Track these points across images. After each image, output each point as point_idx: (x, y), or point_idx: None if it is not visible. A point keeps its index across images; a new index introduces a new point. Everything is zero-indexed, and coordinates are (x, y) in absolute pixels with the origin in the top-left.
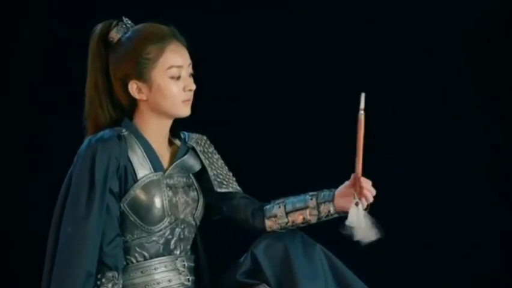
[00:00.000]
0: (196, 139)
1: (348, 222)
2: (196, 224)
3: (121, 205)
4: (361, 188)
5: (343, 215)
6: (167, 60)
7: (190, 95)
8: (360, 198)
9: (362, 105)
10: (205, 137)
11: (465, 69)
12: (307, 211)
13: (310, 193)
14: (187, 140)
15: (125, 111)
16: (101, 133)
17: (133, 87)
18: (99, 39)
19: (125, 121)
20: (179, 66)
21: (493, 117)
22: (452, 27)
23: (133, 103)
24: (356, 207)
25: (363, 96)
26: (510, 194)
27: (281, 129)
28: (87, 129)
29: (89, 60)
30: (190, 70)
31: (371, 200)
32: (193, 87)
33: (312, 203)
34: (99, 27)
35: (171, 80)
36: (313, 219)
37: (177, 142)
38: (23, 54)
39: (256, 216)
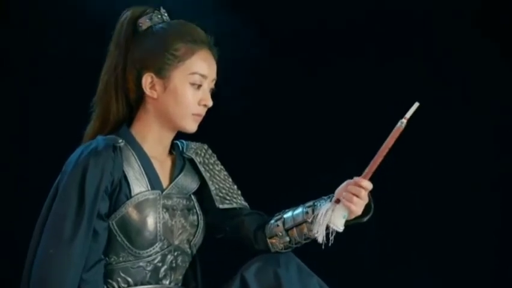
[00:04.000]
0: (195, 149)
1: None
2: (192, 252)
3: (109, 222)
4: (354, 193)
5: (347, 225)
6: (193, 65)
7: (203, 111)
8: (345, 202)
9: (409, 114)
10: (206, 146)
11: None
12: (306, 226)
13: (308, 204)
14: (185, 150)
15: (132, 108)
16: (94, 143)
17: (147, 80)
18: (129, 23)
19: (123, 129)
20: (203, 76)
21: (485, 126)
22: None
23: (140, 99)
24: (334, 203)
25: (415, 106)
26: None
27: (282, 136)
28: (94, 116)
29: (112, 43)
30: (212, 85)
31: (353, 207)
32: (210, 103)
33: (309, 216)
34: (130, 10)
35: (190, 87)
36: (314, 235)
37: (175, 154)
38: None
39: (258, 238)
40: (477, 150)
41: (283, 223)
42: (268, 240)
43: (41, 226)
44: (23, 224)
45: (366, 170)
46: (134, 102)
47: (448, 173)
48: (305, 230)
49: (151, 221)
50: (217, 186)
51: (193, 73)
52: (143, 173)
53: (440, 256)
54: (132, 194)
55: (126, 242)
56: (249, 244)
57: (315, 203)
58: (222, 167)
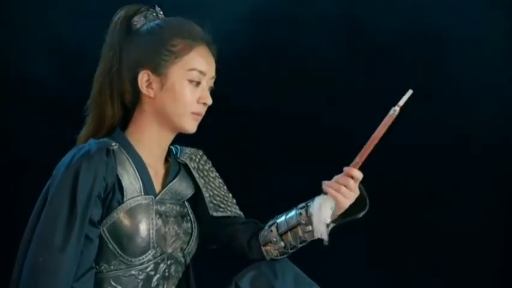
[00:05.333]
0: (190, 154)
1: (310, 208)
2: (185, 261)
3: (101, 229)
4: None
5: (342, 222)
6: (191, 61)
7: (202, 110)
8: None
9: (402, 102)
10: (201, 152)
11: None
12: (301, 229)
13: (300, 205)
14: (178, 155)
15: (128, 110)
16: (86, 146)
17: (143, 77)
18: (122, 22)
19: (117, 132)
20: (202, 72)
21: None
22: None
23: (136, 100)
24: (323, 196)
25: (408, 93)
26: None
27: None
28: (89, 120)
29: (105, 44)
30: (211, 83)
31: (339, 197)
32: (210, 102)
33: (303, 217)
34: (124, 10)
35: (189, 84)
36: (309, 237)
37: (170, 159)
38: None
39: (252, 247)
40: (477, 149)
41: (277, 228)
42: (263, 248)
43: (30, 233)
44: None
45: (356, 159)
46: (130, 104)
47: (447, 171)
48: (300, 233)
49: (143, 227)
50: (211, 193)
51: (192, 69)
52: (138, 177)
53: (440, 255)
54: (125, 199)
55: (118, 249)
56: (243, 254)
57: (308, 204)
58: (217, 174)
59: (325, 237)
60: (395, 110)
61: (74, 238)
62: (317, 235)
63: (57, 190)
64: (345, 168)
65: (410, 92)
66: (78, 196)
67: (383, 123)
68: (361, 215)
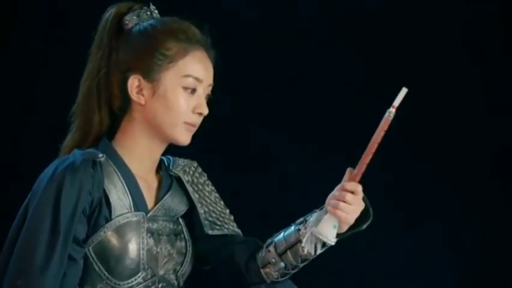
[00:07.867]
0: (183, 166)
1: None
2: (178, 284)
3: (86, 248)
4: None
5: (345, 237)
6: (187, 66)
7: (197, 120)
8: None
9: (397, 102)
10: (195, 164)
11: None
12: (300, 246)
13: (299, 221)
14: (171, 167)
15: (116, 118)
16: (71, 158)
17: (133, 83)
18: (113, 20)
19: (103, 142)
20: (198, 79)
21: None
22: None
23: (125, 108)
24: (324, 212)
25: (403, 92)
26: None
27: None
28: (74, 127)
29: (94, 44)
30: (208, 91)
31: (338, 213)
32: (206, 111)
33: (302, 234)
34: (115, 7)
35: (183, 91)
36: (310, 254)
37: (162, 171)
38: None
39: (251, 270)
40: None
41: (275, 247)
42: (262, 271)
43: (7, 252)
44: None
45: (355, 171)
46: (119, 111)
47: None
48: (300, 251)
49: (133, 247)
50: (206, 209)
51: (187, 76)
52: (127, 191)
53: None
54: (112, 216)
55: (104, 271)
56: (241, 278)
57: (306, 218)
58: (213, 187)
59: (306, 249)
60: (391, 112)
61: (56, 258)
62: (304, 242)
63: (38, 205)
64: (343, 183)
65: (404, 91)
66: (61, 212)
67: (379, 128)
68: (365, 226)
